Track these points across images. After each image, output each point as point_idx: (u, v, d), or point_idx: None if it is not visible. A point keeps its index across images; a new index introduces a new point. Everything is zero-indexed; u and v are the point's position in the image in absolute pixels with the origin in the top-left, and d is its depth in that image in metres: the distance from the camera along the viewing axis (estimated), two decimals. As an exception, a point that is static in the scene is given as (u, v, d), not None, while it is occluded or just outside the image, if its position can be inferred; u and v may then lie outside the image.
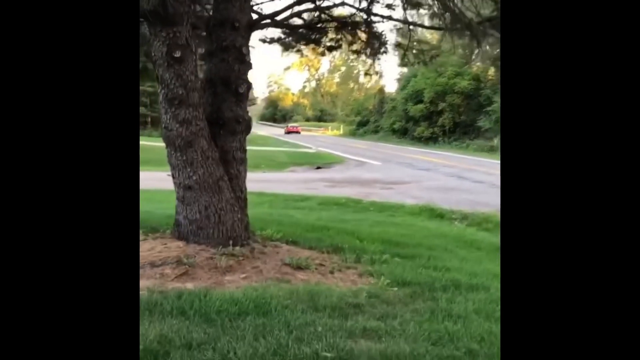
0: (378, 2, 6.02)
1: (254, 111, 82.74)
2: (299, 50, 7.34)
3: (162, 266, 3.79)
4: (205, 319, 2.90)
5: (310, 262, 4.22)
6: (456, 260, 5.03)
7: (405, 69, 38.45)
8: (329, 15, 6.42)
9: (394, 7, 6.05)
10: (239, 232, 4.39)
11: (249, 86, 4.72)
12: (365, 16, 6.21)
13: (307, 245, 4.99)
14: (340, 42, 6.65)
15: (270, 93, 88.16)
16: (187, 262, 3.83)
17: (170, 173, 4.42)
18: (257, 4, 6.21)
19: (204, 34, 4.79)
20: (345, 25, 6.31)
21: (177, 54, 4.04)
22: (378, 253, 4.80)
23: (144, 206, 7.40)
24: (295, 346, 2.58)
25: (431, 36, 14.17)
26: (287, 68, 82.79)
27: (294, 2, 5.76)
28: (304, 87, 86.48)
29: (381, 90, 48.84)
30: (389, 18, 6.01)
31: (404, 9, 5.92)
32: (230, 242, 4.25)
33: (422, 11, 6.23)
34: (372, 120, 48.15)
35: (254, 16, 5.27)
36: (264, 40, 6.65)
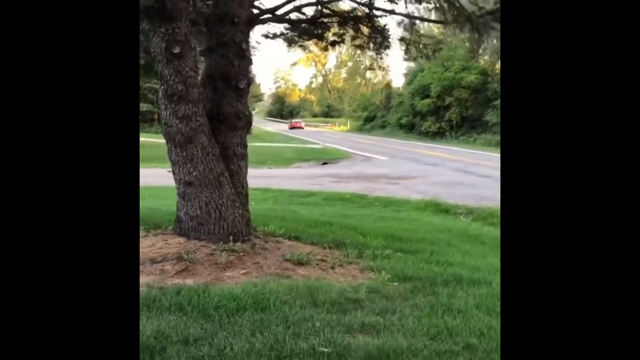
0: (380, -5, 5.99)
1: (261, 107, 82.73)
2: (302, 46, 7.32)
3: (162, 262, 3.79)
4: (203, 314, 2.90)
5: (312, 257, 4.21)
6: (459, 255, 4.99)
7: (412, 64, 38.33)
8: (330, 10, 6.38)
9: (396, 0, 6.01)
10: (240, 228, 4.39)
11: (249, 82, 4.71)
12: (367, 10, 6.17)
13: (309, 240, 4.97)
14: (344, 37, 6.62)
15: (277, 89, 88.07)
16: (188, 258, 3.84)
17: (170, 169, 4.42)
18: (258, -1, 6.18)
19: (204, 29, 4.78)
20: (347, 19, 6.27)
21: (176, 50, 4.04)
22: (380, 248, 4.78)
23: (150, 203, 7.45)
24: (292, 341, 2.57)
25: (438, 30, 14.09)
26: (294, 64, 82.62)
27: (295, -4, 5.74)
28: (311, 82, 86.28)
29: (388, 85, 48.73)
30: (391, 12, 5.96)
31: (406, 3, 5.88)
32: (231, 238, 4.24)
33: (425, 5, 6.18)
34: (379, 115, 47.95)
35: (255, 11, 5.25)
36: (266, 36, 6.64)
